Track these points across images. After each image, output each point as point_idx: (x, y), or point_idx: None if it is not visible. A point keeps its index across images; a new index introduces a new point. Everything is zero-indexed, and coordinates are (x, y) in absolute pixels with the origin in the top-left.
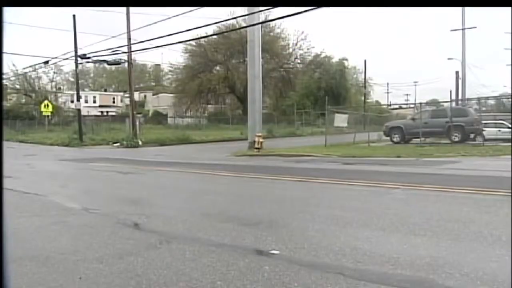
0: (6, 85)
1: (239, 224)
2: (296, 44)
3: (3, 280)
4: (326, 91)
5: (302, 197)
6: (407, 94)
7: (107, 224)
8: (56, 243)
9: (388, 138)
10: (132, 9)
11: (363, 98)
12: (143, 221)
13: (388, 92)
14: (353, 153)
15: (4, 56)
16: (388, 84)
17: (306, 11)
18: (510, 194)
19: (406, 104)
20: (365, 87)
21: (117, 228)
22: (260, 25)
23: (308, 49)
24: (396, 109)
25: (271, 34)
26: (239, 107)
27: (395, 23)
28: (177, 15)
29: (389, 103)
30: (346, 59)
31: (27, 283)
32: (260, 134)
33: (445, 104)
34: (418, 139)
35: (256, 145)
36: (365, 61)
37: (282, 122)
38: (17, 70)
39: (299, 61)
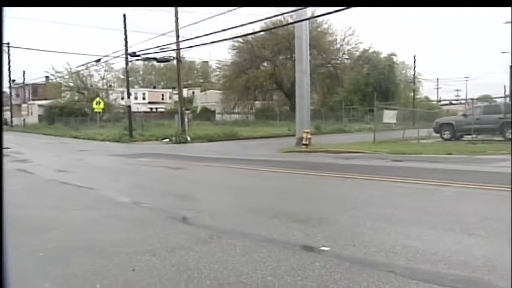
0: (60, 83)
1: (289, 220)
2: (343, 40)
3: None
4: (374, 87)
5: (351, 194)
6: (457, 90)
7: (158, 218)
8: (109, 235)
9: (438, 135)
10: (180, 7)
11: (412, 94)
12: (193, 215)
13: (437, 88)
14: (402, 150)
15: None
16: (438, 79)
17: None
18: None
19: (457, 100)
20: (414, 82)
21: (168, 222)
22: (307, 21)
23: (356, 44)
24: (446, 105)
25: (319, 29)
26: (286, 103)
27: (445, 17)
28: (223, 13)
29: (439, 99)
30: (395, 54)
31: (83, 273)
32: (308, 130)
33: (498, 100)
34: (470, 136)
35: (304, 142)
36: (414, 56)
37: (329, 118)
38: (70, 69)
39: (346, 57)
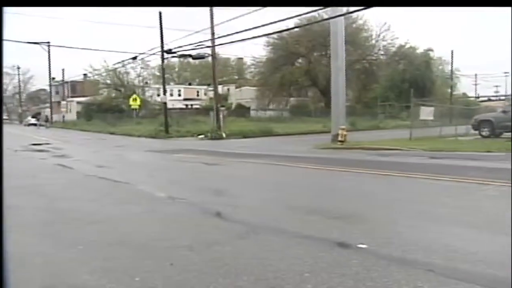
0: (98, 80)
1: (325, 217)
2: (379, 35)
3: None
4: (410, 83)
5: (388, 191)
6: (496, 86)
7: (194, 213)
8: (147, 230)
9: (477, 132)
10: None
11: (449, 90)
12: (230, 211)
13: (476, 84)
14: (439, 147)
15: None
16: (476, 75)
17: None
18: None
19: (496, 96)
20: (451, 78)
21: (204, 218)
22: (343, 17)
23: (391, 40)
24: (485, 101)
25: (354, 25)
26: (321, 100)
27: (484, 11)
28: (258, 9)
29: (477, 95)
30: (432, 50)
31: (122, 267)
32: (343, 127)
33: None
34: (509, 133)
35: (339, 138)
36: (452, 51)
37: (364, 115)
38: (107, 66)
39: (382, 53)
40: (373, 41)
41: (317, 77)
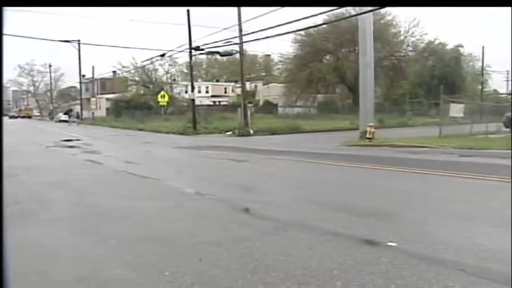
0: (126, 77)
1: (354, 214)
2: (408, 31)
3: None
4: (440, 80)
5: (417, 189)
6: None
7: (222, 209)
8: (176, 225)
9: (508, 129)
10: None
11: (480, 86)
12: (258, 207)
13: (508, 80)
14: (469, 145)
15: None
16: (507, 71)
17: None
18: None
19: None
20: (482, 75)
21: (233, 214)
22: (371, 13)
23: (420, 36)
24: None
25: (382, 21)
26: (349, 96)
27: None
28: (286, 6)
29: (509, 92)
30: (462, 46)
31: (152, 261)
32: (372, 124)
33: None
34: None
35: (367, 135)
36: (482, 47)
37: (393, 112)
38: (136, 64)
39: (411, 49)
40: (402, 37)
41: (345, 74)
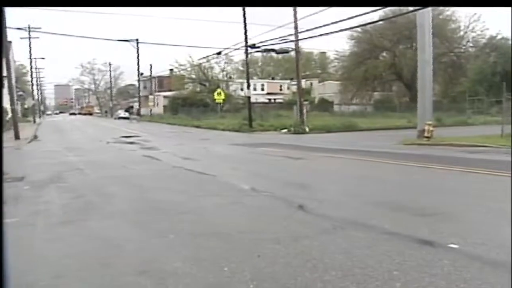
0: (183, 75)
1: (412, 214)
2: (468, 27)
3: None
4: (502, 77)
5: (478, 189)
6: None
7: (280, 206)
8: (234, 221)
9: None
10: None
11: None
12: (315, 205)
13: None
14: None
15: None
16: None
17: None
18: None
19: None
20: None
21: (290, 211)
22: (430, 8)
23: (481, 31)
24: None
25: (441, 16)
26: (406, 94)
27: None
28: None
29: None
30: None
31: (211, 256)
32: (430, 122)
33: None
34: None
35: (425, 134)
36: None
37: (451, 110)
38: (193, 62)
39: (471, 45)
40: (461, 33)
41: (402, 71)
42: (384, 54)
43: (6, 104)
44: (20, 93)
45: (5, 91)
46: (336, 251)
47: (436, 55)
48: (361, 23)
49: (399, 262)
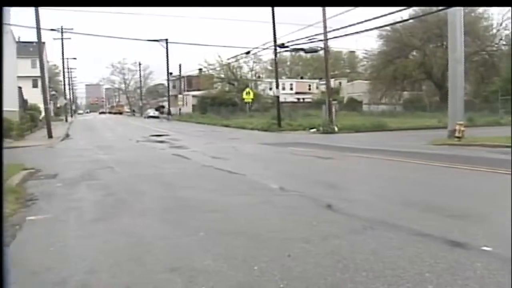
0: (212, 75)
1: (444, 215)
2: (501, 24)
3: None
4: None
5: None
6: None
7: (309, 206)
8: (264, 221)
9: None
10: None
11: None
12: (345, 205)
13: None
14: None
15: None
16: None
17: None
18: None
19: None
20: None
21: (320, 211)
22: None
23: None
24: None
25: (472, 14)
26: (436, 94)
27: None
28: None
29: None
30: None
31: (241, 255)
32: (461, 122)
33: None
34: None
35: (456, 134)
36: None
37: (483, 110)
38: (221, 61)
39: (504, 43)
40: (494, 31)
41: (432, 70)
42: (414, 53)
43: (40, 103)
44: (53, 92)
45: (39, 90)
46: (367, 252)
47: (467, 53)
48: (390, 22)
49: (431, 264)
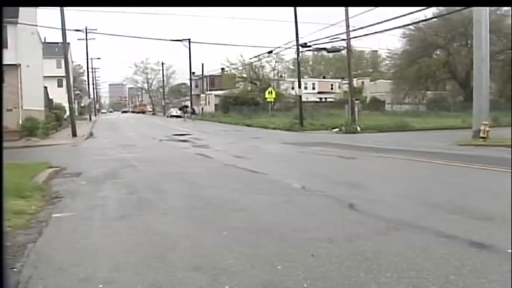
0: (234, 74)
1: (469, 217)
2: None
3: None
4: None
5: None
6: None
7: (333, 206)
8: (287, 220)
9: None
10: None
11: None
12: (369, 206)
13: None
14: None
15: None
16: None
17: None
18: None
19: None
20: None
21: (343, 211)
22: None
23: None
24: None
25: (498, 12)
26: (460, 93)
27: None
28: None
29: None
30: None
31: (265, 254)
32: (486, 122)
33: None
34: None
35: (481, 134)
36: None
37: (509, 110)
38: (244, 61)
39: None
40: None
41: (456, 69)
42: (438, 52)
43: (64, 102)
44: (77, 92)
45: (64, 90)
46: (391, 253)
47: (493, 52)
48: (414, 21)
49: (457, 266)
